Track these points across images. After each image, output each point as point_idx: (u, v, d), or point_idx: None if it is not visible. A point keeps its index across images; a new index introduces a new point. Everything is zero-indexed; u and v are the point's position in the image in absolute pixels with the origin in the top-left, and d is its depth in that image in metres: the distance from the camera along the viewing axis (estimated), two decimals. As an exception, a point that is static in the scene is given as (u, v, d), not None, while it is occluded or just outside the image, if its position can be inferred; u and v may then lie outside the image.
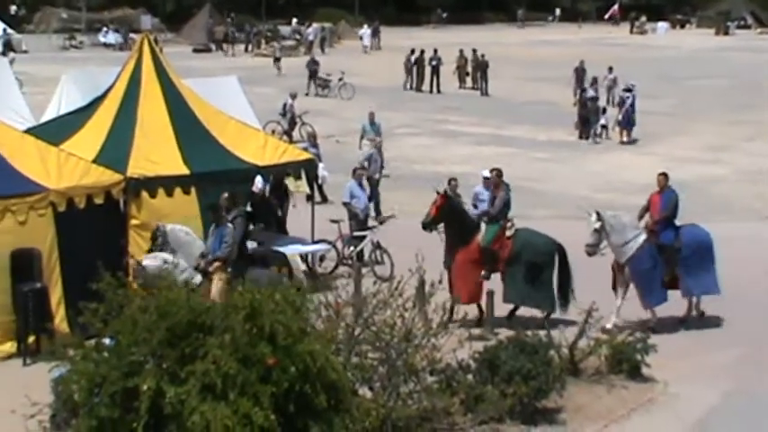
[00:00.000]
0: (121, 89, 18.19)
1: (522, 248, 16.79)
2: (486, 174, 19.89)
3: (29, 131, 18.04)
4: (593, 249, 16.77)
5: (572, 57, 50.82)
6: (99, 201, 16.26)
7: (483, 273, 16.72)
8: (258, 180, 18.91)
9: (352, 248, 20.10)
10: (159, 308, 10.23)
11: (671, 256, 16.93)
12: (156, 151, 17.27)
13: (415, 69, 49.03)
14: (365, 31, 68.23)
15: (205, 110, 18.55)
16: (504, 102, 45.76)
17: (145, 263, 14.97)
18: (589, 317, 14.75)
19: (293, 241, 19.22)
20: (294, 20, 69.17)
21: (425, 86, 48.73)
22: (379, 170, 25.04)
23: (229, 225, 15.95)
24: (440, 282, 13.67)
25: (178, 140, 17.57)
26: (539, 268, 16.73)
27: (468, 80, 50.18)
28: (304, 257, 19.49)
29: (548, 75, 52.20)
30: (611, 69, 43.18)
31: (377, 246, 20.11)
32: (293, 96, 35.14)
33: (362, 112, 38.04)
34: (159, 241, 15.66)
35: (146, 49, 18.45)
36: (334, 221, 20.37)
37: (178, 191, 17.01)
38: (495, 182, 17.74)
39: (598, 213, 16.95)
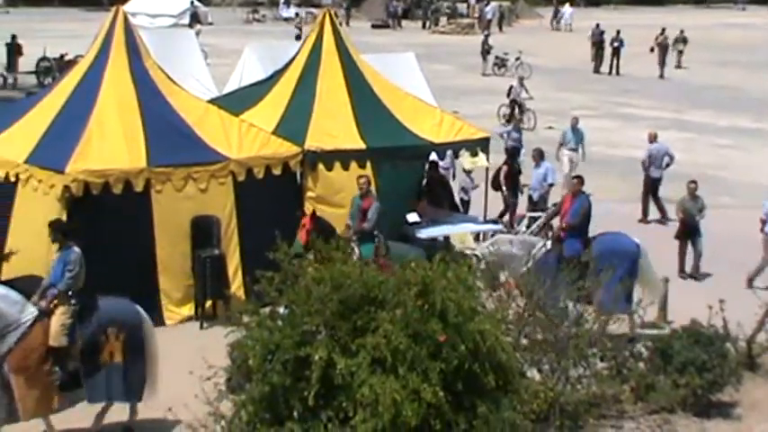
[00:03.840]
0: (302, 63, 18.45)
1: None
2: None
3: (212, 102, 18.47)
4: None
5: (759, 41, 49.17)
6: (277, 172, 16.55)
7: None
8: (434, 157, 18.94)
9: (523, 229, 19.92)
10: (333, 280, 10.34)
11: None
12: (333, 125, 17.45)
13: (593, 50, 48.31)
14: (566, 9, 67.78)
15: (383, 85, 18.64)
16: (685, 85, 44.63)
17: None
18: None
19: (464, 220, 19.21)
20: (474, -3, 68.89)
21: (605, 68, 48.00)
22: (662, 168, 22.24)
23: (75, 249, 12.84)
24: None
25: (355, 115, 17.71)
26: None
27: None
28: (476, 236, 19.47)
29: (732, 59, 50.68)
30: None
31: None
32: (520, 79, 35.17)
33: (540, 92, 37.81)
34: None
35: (327, 24, 18.66)
36: (506, 201, 20.25)
37: (353, 165, 17.16)
38: (364, 191, 16.18)
39: (477, 256, 15.33)
